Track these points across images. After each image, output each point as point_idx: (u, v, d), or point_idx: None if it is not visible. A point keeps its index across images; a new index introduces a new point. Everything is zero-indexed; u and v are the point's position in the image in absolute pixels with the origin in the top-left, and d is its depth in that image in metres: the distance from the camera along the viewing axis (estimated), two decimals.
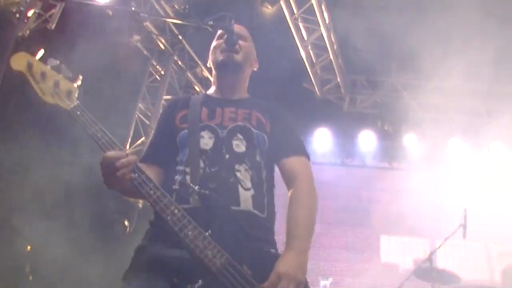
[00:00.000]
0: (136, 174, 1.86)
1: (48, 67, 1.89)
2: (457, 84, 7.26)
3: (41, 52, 1.91)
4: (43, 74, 1.86)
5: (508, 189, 7.11)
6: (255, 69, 2.43)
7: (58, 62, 1.93)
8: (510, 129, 7.56)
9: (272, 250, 2.04)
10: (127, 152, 1.90)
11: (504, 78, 6.90)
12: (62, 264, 5.12)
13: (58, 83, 1.89)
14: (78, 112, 1.88)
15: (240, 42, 2.25)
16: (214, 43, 2.31)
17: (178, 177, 2.07)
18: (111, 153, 1.83)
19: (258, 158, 2.14)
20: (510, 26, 5.52)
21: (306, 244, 1.97)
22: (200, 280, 1.81)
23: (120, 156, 1.83)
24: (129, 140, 7.13)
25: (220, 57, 2.25)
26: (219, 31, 2.29)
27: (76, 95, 1.92)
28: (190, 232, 1.84)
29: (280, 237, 2.08)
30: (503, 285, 5.65)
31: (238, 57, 2.24)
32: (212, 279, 1.82)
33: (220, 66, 2.28)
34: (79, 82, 1.96)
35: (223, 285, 1.81)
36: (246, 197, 2.03)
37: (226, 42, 2.20)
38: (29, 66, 1.84)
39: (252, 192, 2.05)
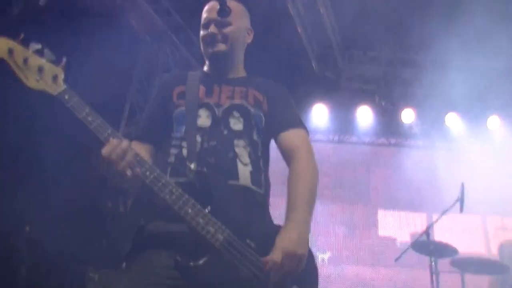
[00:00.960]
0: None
1: (31, 51, 1.80)
2: (455, 59, 7.21)
3: (22, 37, 1.82)
4: (25, 60, 1.78)
5: (505, 163, 7.13)
6: (249, 41, 2.39)
7: (41, 45, 1.84)
8: (508, 103, 7.56)
9: (272, 222, 2.05)
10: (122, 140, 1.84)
11: (503, 53, 6.85)
12: None
13: (42, 68, 1.81)
14: (66, 96, 1.81)
15: (224, 30, 2.21)
16: (200, 33, 2.28)
17: (174, 151, 2.06)
18: (105, 149, 1.78)
19: (255, 136, 2.13)
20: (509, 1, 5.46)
21: (306, 215, 1.96)
22: (203, 257, 1.80)
23: (114, 148, 1.78)
24: (125, 119, 7.10)
25: (207, 50, 2.24)
26: (203, 21, 2.26)
27: (62, 78, 1.85)
28: (190, 210, 1.82)
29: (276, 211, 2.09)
30: (500, 259, 5.72)
31: (224, 46, 2.21)
32: (215, 255, 1.81)
33: (208, 58, 2.28)
34: (63, 65, 1.90)
35: (227, 260, 1.81)
36: (244, 173, 2.03)
37: (219, 13, 2.18)
38: (10, 52, 1.76)
39: (250, 168, 2.05)
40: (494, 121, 7.99)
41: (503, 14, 5.68)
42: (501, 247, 5.95)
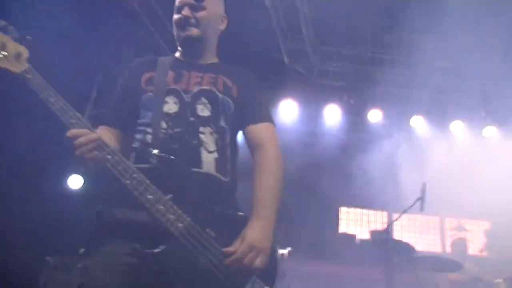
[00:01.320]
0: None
1: None
2: (425, 62, 7.32)
3: None
4: None
5: (466, 166, 7.32)
6: (223, 28, 2.37)
7: (4, 22, 1.80)
8: (472, 108, 7.74)
9: (235, 212, 2.04)
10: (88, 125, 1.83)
11: (472, 57, 6.98)
12: None
13: (5, 45, 1.77)
14: (29, 76, 1.79)
15: (197, 14, 2.19)
16: (174, 16, 2.26)
17: (138, 136, 2.05)
18: (72, 132, 1.78)
19: (222, 123, 2.12)
20: (482, 3, 5.52)
21: (273, 212, 2.00)
22: (162, 245, 1.79)
23: (80, 134, 1.78)
24: (92, 102, 6.96)
25: (179, 34, 2.22)
26: (177, 4, 2.24)
27: (26, 57, 1.81)
28: (151, 196, 1.82)
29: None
30: (452, 255, 5.91)
31: (196, 31, 2.20)
32: (174, 243, 1.81)
33: (180, 42, 2.26)
34: (28, 43, 1.85)
35: (186, 249, 1.81)
36: (209, 160, 2.02)
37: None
38: None
39: (215, 155, 2.04)
40: (457, 125, 8.18)
41: (477, 21, 5.76)
42: (453, 244, 6.18)
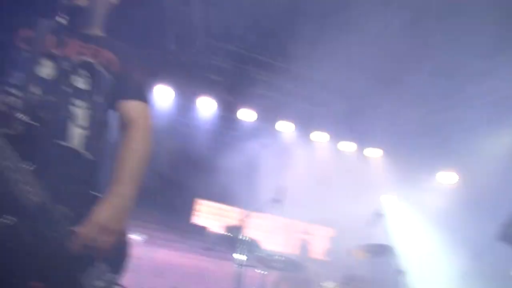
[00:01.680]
0: None
1: None
2: (301, 70, 7.65)
3: None
4: None
5: (321, 175, 7.83)
6: (114, 1, 2.27)
7: None
8: (334, 121, 8.27)
9: (96, 194, 1.97)
10: None
11: (344, 74, 7.39)
12: None
13: None
14: None
15: None
16: None
17: (5, 99, 1.88)
18: None
19: (99, 98, 2.02)
20: (375, 18, 5.83)
21: (129, 190, 1.93)
22: (10, 216, 1.68)
23: None
24: None
25: (64, 1, 2.05)
26: None
27: None
28: (10, 164, 1.69)
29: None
30: (298, 256, 6.33)
31: (84, 1, 2.07)
32: (26, 217, 1.70)
33: (63, 10, 2.07)
34: None
35: (36, 224, 1.71)
36: (76, 135, 1.92)
37: None
38: None
39: (86, 131, 1.95)
40: (319, 136, 8.71)
41: (354, 41, 6.07)
42: (299, 246, 6.64)
